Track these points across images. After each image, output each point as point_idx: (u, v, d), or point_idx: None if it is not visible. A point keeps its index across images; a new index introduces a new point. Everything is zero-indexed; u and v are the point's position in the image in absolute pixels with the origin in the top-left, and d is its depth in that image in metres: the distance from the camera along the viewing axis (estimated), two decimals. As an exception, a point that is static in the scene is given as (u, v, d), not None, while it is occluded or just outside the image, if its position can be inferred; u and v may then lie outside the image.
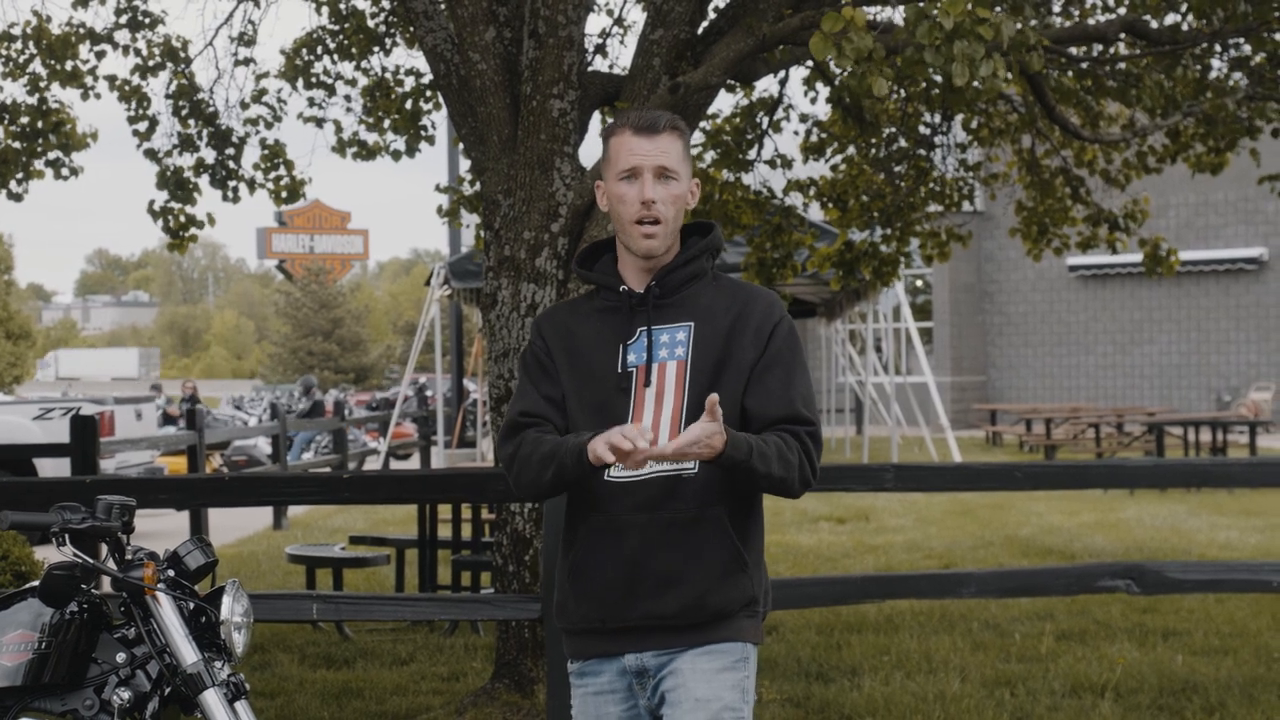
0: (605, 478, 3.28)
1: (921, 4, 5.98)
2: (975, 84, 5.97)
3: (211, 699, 3.55)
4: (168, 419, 27.26)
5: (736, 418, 3.28)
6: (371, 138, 10.96)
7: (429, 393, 29.12)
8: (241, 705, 3.63)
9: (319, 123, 10.96)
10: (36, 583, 3.73)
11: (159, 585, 3.60)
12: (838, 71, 7.90)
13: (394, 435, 24.54)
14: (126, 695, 3.65)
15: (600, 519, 3.30)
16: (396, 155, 10.88)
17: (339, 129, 10.98)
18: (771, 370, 3.31)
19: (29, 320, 47.72)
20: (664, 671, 3.29)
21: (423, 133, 10.58)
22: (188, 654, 3.57)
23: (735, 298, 3.37)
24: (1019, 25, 6.44)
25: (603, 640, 3.33)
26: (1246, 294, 31.75)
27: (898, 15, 7.04)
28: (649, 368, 3.30)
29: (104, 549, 3.74)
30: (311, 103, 10.90)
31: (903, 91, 9.78)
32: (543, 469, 3.27)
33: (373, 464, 24.35)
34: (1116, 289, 33.32)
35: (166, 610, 3.61)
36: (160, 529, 15.02)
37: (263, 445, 22.03)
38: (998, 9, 7.34)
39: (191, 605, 3.66)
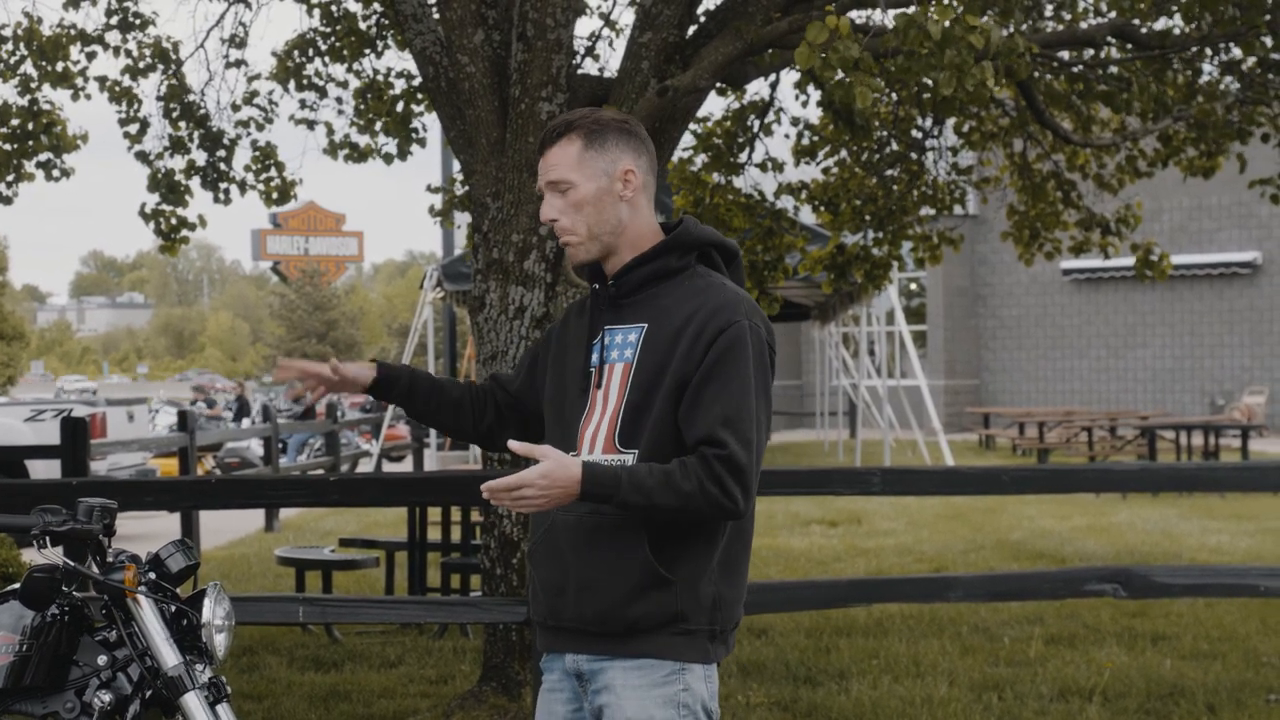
0: None
1: (911, 11, 5.97)
2: (967, 89, 5.97)
3: (193, 702, 3.54)
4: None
5: (670, 433, 3.12)
6: (363, 140, 10.95)
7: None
8: (223, 708, 3.61)
9: (310, 125, 10.95)
10: (17, 585, 3.72)
11: (140, 588, 3.59)
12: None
13: (387, 437, 24.53)
14: (107, 698, 3.63)
15: (544, 514, 3.22)
16: (389, 158, 10.86)
17: (330, 131, 10.98)
18: (704, 386, 3.10)
19: (23, 321, 47.65)
20: (598, 683, 3.19)
21: (414, 135, 10.57)
22: (169, 657, 3.56)
23: (695, 300, 3.17)
24: (1008, 30, 6.44)
25: (546, 636, 3.30)
26: (1240, 298, 31.78)
27: (887, 19, 7.04)
28: (600, 369, 3.22)
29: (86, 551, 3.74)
30: (303, 105, 10.89)
31: (894, 95, 9.77)
32: None
33: (366, 466, 24.33)
34: (1110, 293, 33.34)
35: (147, 613, 3.60)
36: (152, 531, 15.01)
37: (255, 447, 22.02)
38: (986, 16, 7.35)
39: (173, 608, 3.65)
